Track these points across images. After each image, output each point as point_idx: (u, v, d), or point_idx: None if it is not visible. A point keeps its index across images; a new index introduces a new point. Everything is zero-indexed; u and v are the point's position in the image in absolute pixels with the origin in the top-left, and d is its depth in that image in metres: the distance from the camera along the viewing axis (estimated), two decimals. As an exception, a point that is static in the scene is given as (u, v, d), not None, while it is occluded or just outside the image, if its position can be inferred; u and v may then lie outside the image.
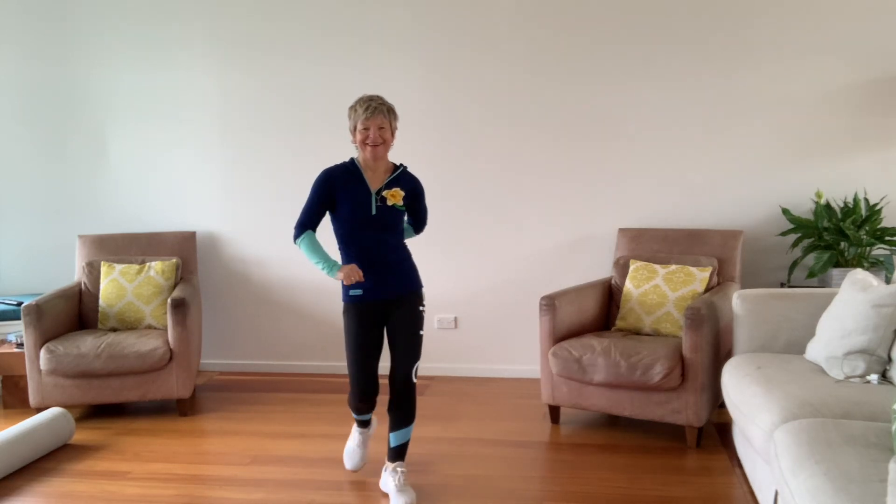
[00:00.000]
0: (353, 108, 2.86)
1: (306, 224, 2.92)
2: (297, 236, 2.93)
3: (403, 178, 2.96)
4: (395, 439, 2.92)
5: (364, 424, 3.15)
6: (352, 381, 2.93)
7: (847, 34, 3.94)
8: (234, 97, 4.56)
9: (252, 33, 4.49)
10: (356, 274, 2.78)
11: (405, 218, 3.05)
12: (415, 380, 2.90)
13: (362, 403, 2.96)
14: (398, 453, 2.93)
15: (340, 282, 2.84)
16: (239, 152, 4.61)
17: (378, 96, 2.87)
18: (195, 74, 4.58)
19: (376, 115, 2.80)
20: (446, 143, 4.40)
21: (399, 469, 2.90)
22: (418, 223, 3.16)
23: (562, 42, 4.21)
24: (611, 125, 4.23)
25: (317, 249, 2.88)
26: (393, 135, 2.89)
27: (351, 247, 2.89)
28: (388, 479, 2.91)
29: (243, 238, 4.68)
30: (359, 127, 2.82)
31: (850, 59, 3.96)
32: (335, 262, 2.85)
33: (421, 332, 2.97)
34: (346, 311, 2.92)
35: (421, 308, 3.00)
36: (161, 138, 4.66)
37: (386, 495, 2.93)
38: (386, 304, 2.92)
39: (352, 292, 2.88)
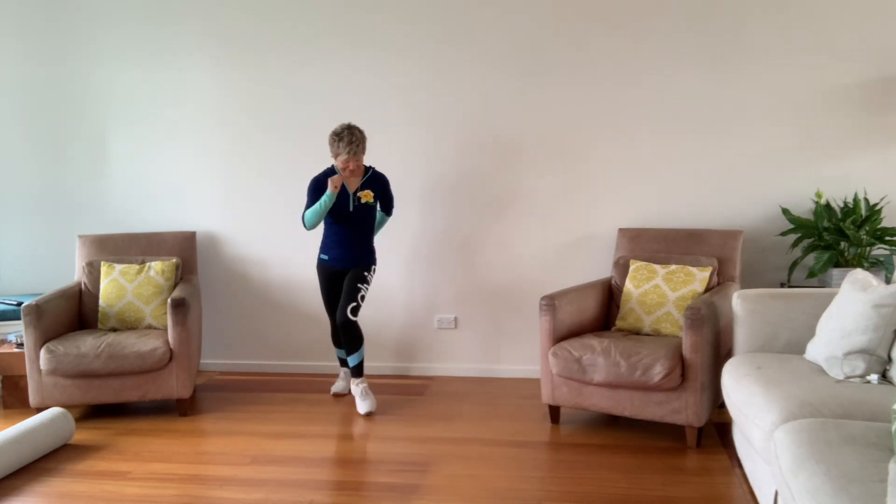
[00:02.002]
0: (334, 142, 3.76)
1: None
2: (303, 221, 3.87)
3: (373, 179, 3.94)
4: (350, 361, 3.96)
5: (344, 362, 4.25)
6: (328, 316, 4.14)
7: (847, 34, 3.94)
8: (234, 97, 4.56)
9: (252, 34, 4.49)
10: (336, 181, 3.73)
11: (378, 208, 4.04)
12: (350, 316, 3.86)
13: (334, 330, 4.12)
14: (356, 372, 3.97)
15: (320, 246, 4.02)
16: (239, 152, 4.61)
17: (356, 136, 3.74)
18: (195, 74, 4.58)
19: (356, 154, 3.76)
20: (445, 143, 4.40)
21: (360, 384, 3.95)
22: (387, 206, 4.05)
23: (561, 42, 4.21)
24: (610, 125, 4.23)
25: (315, 205, 3.79)
26: (364, 152, 3.83)
27: (332, 230, 3.94)
28: (354, 390, 3.96)
29: (243, 238, 4.68)
30: (340, 157, 3.77)
31: (850, 60, 3.96)
32: (326, 194, 3.76)
33: (359, 285, 3.90)
34: (317, 269, 4.05)
35: (364, 273, 3.94)
36: (161, 138, 4.66)
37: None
38: (343, 270, 3.96)
39: (321, 256, 4.00)
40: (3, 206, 4.84)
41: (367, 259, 3.96)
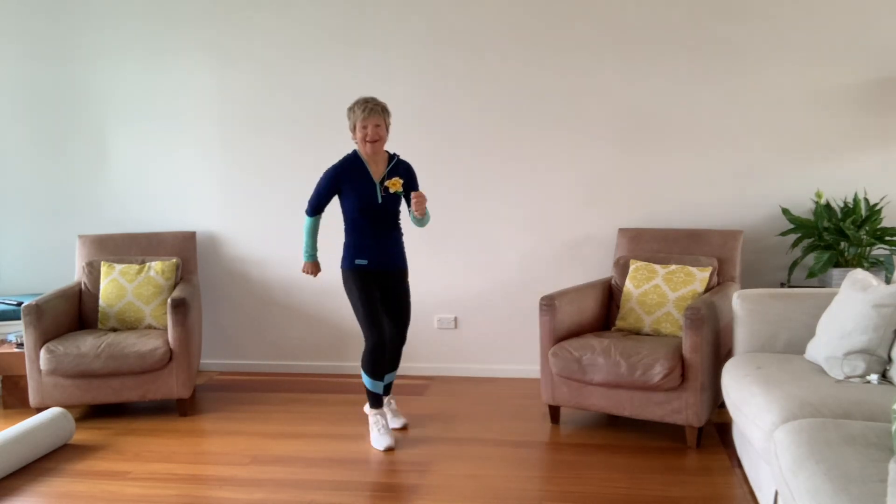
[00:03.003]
0: (351, 110, 3.37)
1: (317, 208, 3.51)
2: (308, 213, 3.53)
3: (400, 167, 3.49)
4: (387, 378, 3.59)
5: (379, 401, 3.48)
6: (368, 332, 3.39)
7: (847, 34, 3.94)
8: (234, 97, 4.56)
9: (252, 34, 4.49)
10: (313, 273, 3.61)
11: (406, 207, 3.57)
12: (405, 338, 3.61)
13: (377, 353, 3.37)
14: (388, 389, 3.67)
15: (345, 249, 3.47)
16: (239, 152, 4.61)
17: (373, 98, 3.36)
18: (195, 74, 4.58)
19: (373, 115, 3.31)
20: (445, 143, 4.40)
21: (391, 400, 3.72)
22: None
23: (562, 42, 4.21)
24: (611, 125, 4.23)
25: (312, 233, 3.56)
26: (387, 130, 3.41)
27: (359, 227, 3.44)
28: (385, 409, 3.62)
29: (243, 238, 4.68)
30: (358, 126, 3.33)
31: (850, 60, 3.96)
32: (311, 255, 3.57)
33: (410, 302, 3.61)
34: (351, 275, 3.45)
35: (408, 283, 3.61)
36: (161, 138, 4.66)
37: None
38: (385, 272, 3.49)
39: (357, 262, 3.43)
40: (3, 206, 4.84)
41: (404, 259, 3.58)
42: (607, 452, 3.31)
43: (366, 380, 3.45)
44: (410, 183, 3.51)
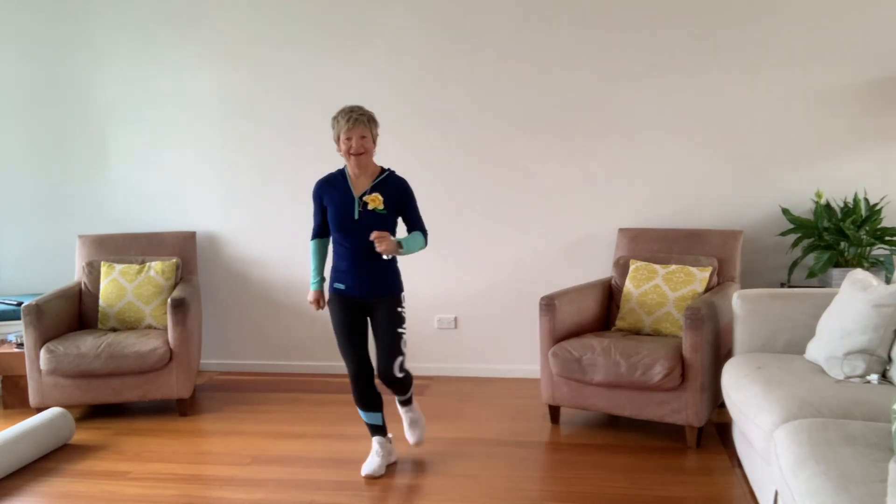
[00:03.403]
0: (335, 119, 3.07)
1: (318, 231, 3.23)
2: (312, 238, 3.26)
3: (388, 183, 3.11)
4: (398, 398, 3.31)
5: (377, 430, 3.21)
6: (344, 360, 3.14)
7: (846, 34, 3.94)
8: (234, 97, 4.56)
9: (252, 33, 4.49)
10: (314, 304, 3.23)
11: (403, 229, 3.18)
12: (398, 374, 3.11)
13: (358, 385, 3.11)
14: (403, 403, 3.33)
15: (330, 271, 3.18)
16: (239, 152, 4.61)
17: (358, 107, 3.06)
18: (195, 74, 4.58)
19: (357, 125, 3.00)
20: (445, 143, 4.40)
21: (409, 412, 3.35)
22: (414, 226, 3.15)
23: (561, 41, 4.21)
24: (611, 125, 4.23)
25: (315, 258, 3.25)
26: (374, 142, 3.09)
27: (339, 248, 3.12)
28: (404, 417, 3.35)
29: (243, 238, 4.68)
30: (342, 137, 3.02)
31: (849, 60, 3.96)
32: (317, 283, 3.23)
33: (400, 331, 3.12)
34: (330, 300, 3.18)
35: (399, 310, 3.14)
36: (161, 138, 4.66)
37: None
38: (364, 301, 3.13)
39: (335, 286, 3.15)
40: (3, 206, 4.84)
41: (392, 286, 3.12)
42: (607, 452, 3.31)
43: (359, 410, 3.20)
44: (404, 203, 3.11)
